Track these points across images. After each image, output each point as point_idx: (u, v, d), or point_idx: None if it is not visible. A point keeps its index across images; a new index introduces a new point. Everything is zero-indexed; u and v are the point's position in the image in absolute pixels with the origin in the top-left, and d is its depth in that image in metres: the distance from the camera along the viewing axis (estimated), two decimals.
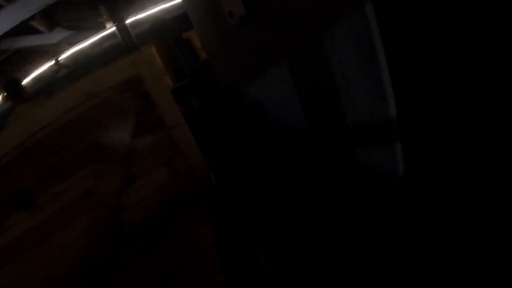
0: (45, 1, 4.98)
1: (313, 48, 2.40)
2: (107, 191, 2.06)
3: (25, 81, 9.95)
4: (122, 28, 5.82)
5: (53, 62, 9.17)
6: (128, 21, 10.40)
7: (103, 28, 9.41)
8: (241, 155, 4.52)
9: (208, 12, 4.12)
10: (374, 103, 2.05)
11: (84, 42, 9.79)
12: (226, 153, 4.77)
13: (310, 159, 3.29)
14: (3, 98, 9.88)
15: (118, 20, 5.83)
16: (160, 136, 2.21)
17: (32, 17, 5.78)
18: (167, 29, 11.05)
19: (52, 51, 11.57)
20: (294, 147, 3.56)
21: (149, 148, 2.19)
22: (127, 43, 5.94)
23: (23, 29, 9.23)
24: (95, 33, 9.78)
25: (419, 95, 1.91)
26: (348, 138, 2.45)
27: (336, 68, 2.25)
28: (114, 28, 5.96)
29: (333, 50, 2.18)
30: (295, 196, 3.29)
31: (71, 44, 10.91)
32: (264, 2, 2.68)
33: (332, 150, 2.80)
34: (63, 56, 9.71)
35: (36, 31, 9.54)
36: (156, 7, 11.29)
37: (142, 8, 11.55)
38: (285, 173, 3.64)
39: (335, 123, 2.53)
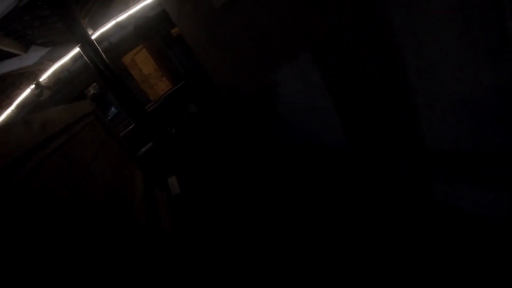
0: None
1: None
2: None
3: (9, 110, 9.04)
4: (86, 48, 4.82)
5: (33, 85, 8.21)
6: (106, 27, 9.34)
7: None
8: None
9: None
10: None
11: (64, 58, 8.80)
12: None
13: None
14: None
15: (81, 40, 4.81)
16: None
17: None
18: (152, 27, 10.00)
19: (38, 71, 10.65)
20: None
21: None
22: (95, 63, 4.96)
23: None
24: (75, 46, 8.79)
25: None
26: (419, 163, 1.92)
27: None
28: (91, 44, 4.98)
29: None
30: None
31: (54, 61, 9.97)
32: None
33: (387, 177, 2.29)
34: (43, 77, 8.74)
35: (10, 55, 8.60)
36: (137, 5, 10.18)
37: (123, 9, 10.48)
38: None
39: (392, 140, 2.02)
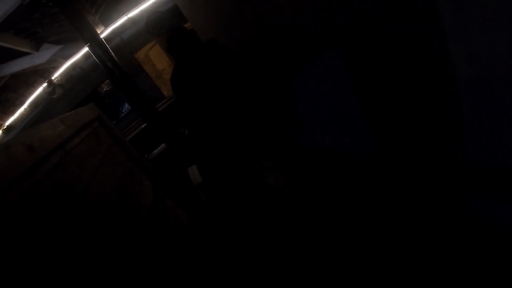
0: None
1: None
2: None
3: (22, 108, 8.99)
4: (95, 47, 4.64)
5: (45, 83, 8.13)
6: (118, 24, 9.17)
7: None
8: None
9: None
10: None
11: (76, 55, 8.67)
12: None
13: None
14: None
15: (89, 39, 4.62)
16: None
17: None
18: (164, 23, 9.78)
19: (50, 69, 10.60)
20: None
21: None
22: (104, 62, 4.77)
23: (7, 54, 8.24)
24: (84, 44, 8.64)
25: None
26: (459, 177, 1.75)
27: None
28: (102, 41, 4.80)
29: None
30: None
31: (66, 58, 9.88)
32: None
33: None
34: (56, 75, 8.63)
35: (22, 54, 8.51)
36: (148, 0, 9.97)
37: (135, 5, 10.29)
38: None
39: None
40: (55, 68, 10.24)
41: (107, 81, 11.84)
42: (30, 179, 1.28)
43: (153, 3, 10.02)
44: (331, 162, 3.05)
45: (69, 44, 9.69)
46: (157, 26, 9.49)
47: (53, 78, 8.57)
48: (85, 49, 9.32)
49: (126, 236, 1.69)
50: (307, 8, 2.02)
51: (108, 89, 14.43)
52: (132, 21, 9.84)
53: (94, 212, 1.55)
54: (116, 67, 4.88)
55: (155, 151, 5.94)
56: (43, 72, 10.76)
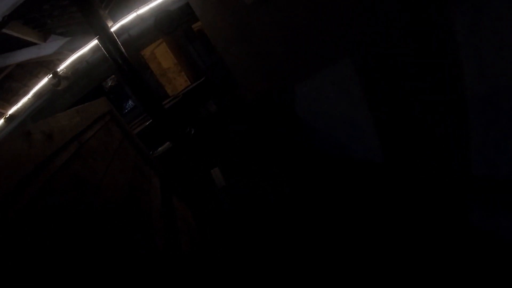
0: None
1: None
2: None
3: (25, 98, 8.92)
4: (105, 41, 4.59)
5: (51, 74, 8.07)
6: (127, 20, 9.14)
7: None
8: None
9: None
10: None
11: (83, 49, 8.63)
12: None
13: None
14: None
15: (100, 32, 4.58)
16: None
17: None
18: (174, 21, 9.76)
19: (56, 60, 10.56)
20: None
21: None
22: (113, 56, 4.73)
23: (15, 43, 8.19)
24: (94, 37, 8.59)
25: None
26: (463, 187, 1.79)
27: None
28: (110, 36, 4.77)
29: None
30: None
31: (73, 51, 9.83)
32: None
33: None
34: (61, 67, 8.59)
35: (29, 43, 8.45)
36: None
37: (144, 2, 10.27)
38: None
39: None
40: (61, 60, 10.19)
41: (112, 76, 11.80)
42: (50, 168, 1.24)
43: (163, 2, 10.00)
44: (336, 166, 3.04)
45: (76, 37, 9.65)
46: (166, 24, 9.48)
47: (58, 70, 8.52)
48: (93, 43, 9.29)
49: (140, 231, 1.64)
50: (324, 16, 2.01)
51: (112, 84, 14.38)
52: (140, 18, 9.82)
53: (109, 206, 1.50)
54: (126, 62, 4.84)
55: (160, 149, 5.88)
56: (48, 64, 10.71)
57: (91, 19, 4.71)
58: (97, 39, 4.75)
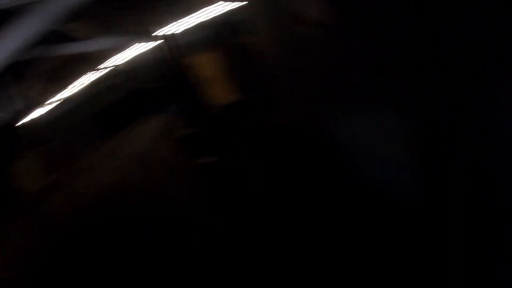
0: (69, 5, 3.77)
1: None
2: None
3: (67, 91, 9.14)
4: (168, 41, 4.65)
5: (94, 72, 8.34)
6: (179, 26, 9.28)
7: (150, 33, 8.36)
8: None
9: (280, 18, 3.47)
10: None
11: (131, 49, 8.79)
12: None
13: None
14: None
15: (165, 36, 4.63)
16: None
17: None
18: (223, 34, 9.85)
19: (102, 57, 10.82)
20: None
21: None
22: (173, 55, 4.76)
23: (62, 36, 8.43)
24: (143, 39, 8.75)
25: None
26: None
27: None
28: (160, 40, 4.82)
29: None
30: None
31: (121, 49, 10.03)
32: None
33: None
34: (106, 64, 8.82)
35: (78, 38, 8.70)
36: (211, 9, 10.10)
37: (196, 11, 10.45)
38: None
39: None
40: (105, 58, 10.44)
41: (155, 78, 11.98)
42: None
43: (216, 13, 10.15)
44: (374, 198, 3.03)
45: (126, 37, 9.84)
46: (216, 35, 9.56)
47: (102, 67, 8.76)
48: (143, 44, 9.45)
49: None
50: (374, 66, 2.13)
51: (155, 86, 14.57)
52: (194, 27, 9.98)
53: None
54: (179, 68, 4.83)
55: (203, 158, 5.79)
56: (93, 60, 11.00)
57: (154, 21, 4.74)
58: (158, 41, 4.77)
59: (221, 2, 9.16)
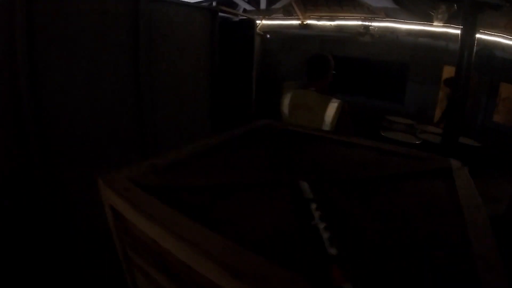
0: None
1: None
2: None
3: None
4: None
5: (362, 25, 8.88)
6: None
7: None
8: None
9: None
10: None
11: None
12: None
13: None
14: None
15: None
16: None
17: None
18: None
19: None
20: None
21: None
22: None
23: None
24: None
25: None
26: None
27: None
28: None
29: None
30: None
31: (389, 16, 9.86)
32: None
33: None
34: (374, 24, 9.19)
35: None
36: None
37: None
38: None
39: None
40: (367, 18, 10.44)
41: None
42: None
43: None
44: None
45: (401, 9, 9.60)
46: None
47: (370, 25, 9.15)
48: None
49: None
50: None
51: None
52: None
53: None
54: None
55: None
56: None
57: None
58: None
59: None
